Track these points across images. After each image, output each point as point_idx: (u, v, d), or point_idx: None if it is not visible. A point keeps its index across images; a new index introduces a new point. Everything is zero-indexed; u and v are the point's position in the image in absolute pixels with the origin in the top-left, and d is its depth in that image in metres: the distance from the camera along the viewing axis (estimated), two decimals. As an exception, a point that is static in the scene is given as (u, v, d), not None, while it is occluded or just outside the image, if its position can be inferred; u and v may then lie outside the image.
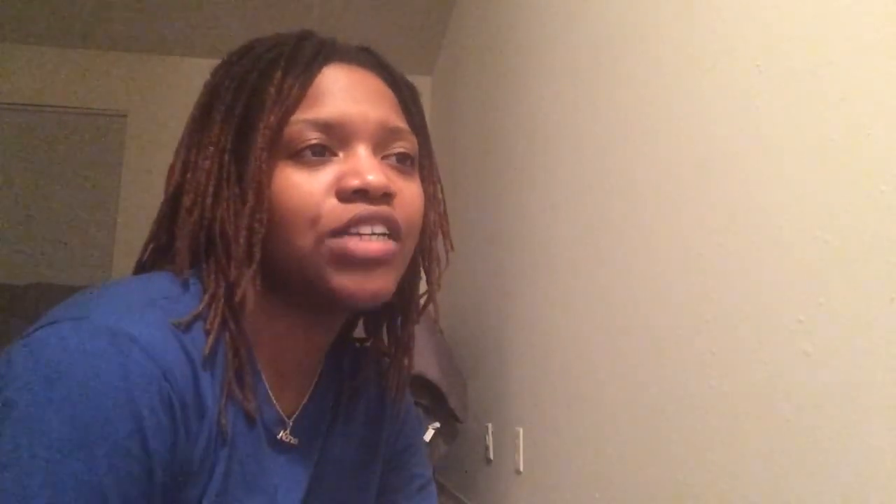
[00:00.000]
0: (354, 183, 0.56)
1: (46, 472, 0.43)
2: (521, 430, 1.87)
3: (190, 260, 0.58)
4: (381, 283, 0.58)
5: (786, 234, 0.86)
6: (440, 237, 0.69)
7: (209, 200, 0.57)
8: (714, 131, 1.04)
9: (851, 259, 0.75)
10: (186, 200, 0.58)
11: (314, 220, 0.55)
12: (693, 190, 1.09)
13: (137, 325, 0.49)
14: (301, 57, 0.59)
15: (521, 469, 1.85)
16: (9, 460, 0.43)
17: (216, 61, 0.64)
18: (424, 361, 1.95)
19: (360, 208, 0.56)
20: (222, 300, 0.55)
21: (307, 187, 0.56)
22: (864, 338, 0.73)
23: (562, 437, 1.60)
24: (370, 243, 0.57)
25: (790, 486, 0.83)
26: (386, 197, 0.57)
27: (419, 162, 0.65)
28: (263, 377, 0.59)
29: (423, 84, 3.88)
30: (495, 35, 2.44)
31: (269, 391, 0.60)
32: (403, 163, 0.61)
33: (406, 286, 0.66)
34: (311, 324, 0.62)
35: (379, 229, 0.57)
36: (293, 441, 0.62)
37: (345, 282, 0.56)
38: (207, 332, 0.53)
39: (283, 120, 0.57)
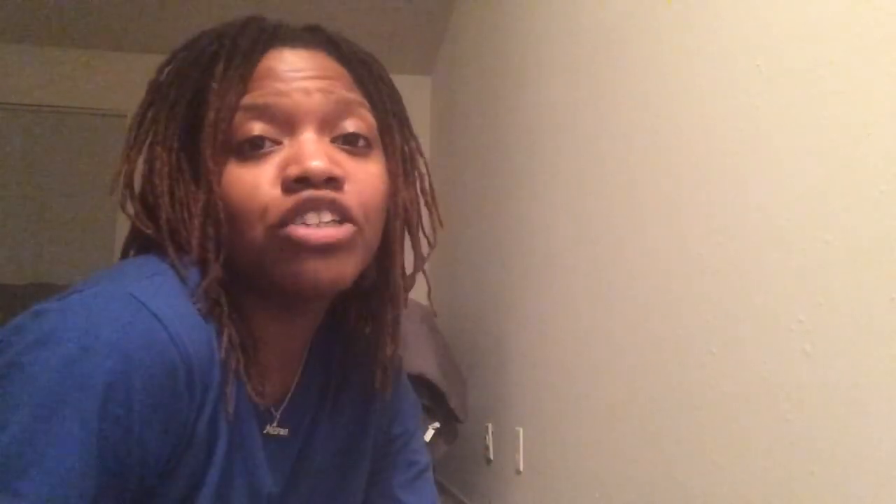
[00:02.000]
0: (294, 171, 0.54)
1: (35, 427, 0.43)
2: (521, 430, 1.87)
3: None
4: (339, 269, 0.56)
5: (786, 234, 0.86)
6: (420, 217, 0.66)
7: (166, 199, 0.57)
8: (714, 131, 1.04)
9: (851, 259, 0.75)
10: (150, 202, 0.58)
11: (261, 214, 0.54)
12: (693, 190, 1.09)
13: (146, 289, 0.49)
14: (242, 45, 0.58)
15: (521, 469, 1.85)
16: (7, 418, 0.44)
17: None
18: (424, 361, 1.95)
19: (305, 196, 0.54)
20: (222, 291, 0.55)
21: (251, 182, 0.55)
22: (864, 338, 0.73)
23: (562, 437, 1.60)
24: (322, 229, 0.55)
25: (790, 486, 0.83)
26: (332, 182, 0.55)
27: (383, 139, 0.62)
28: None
29: (423, 84, 3.87)
30: (495, 35, 2.44)
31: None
32: (355, 144, 0.58)
33: (383, 266, 0.64)
34: (286, 315, 0.61)
35: (326, 217, 0.55)
36: (282, 432, 0.61)
37: (301, 269, 0.55)
38: (218, 322, 0.53)
39: (226, 115, 0.55)
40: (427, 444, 1.95)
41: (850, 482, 0.74)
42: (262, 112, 0.56)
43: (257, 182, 0.55)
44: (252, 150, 0.55)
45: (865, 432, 0.72)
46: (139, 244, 0.61)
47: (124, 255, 0.62)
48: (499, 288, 2.21)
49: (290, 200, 0.54)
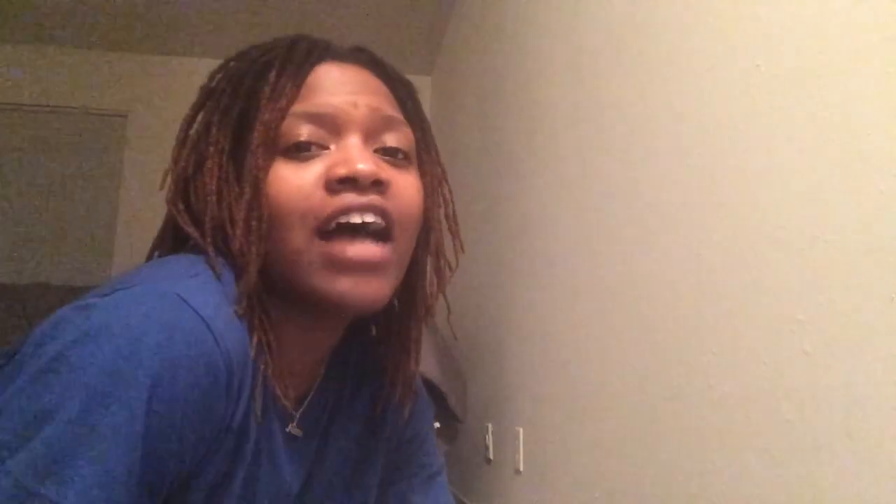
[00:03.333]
0: (342, 171, 0.56)
1: (83, 420, 0.44)
2: (521, 430, 1.87)
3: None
4: (375, 288, 0.58)
5: (786, 234, 0.86)
6: (447, 237, 0.69)
7: (214, 199, 0.58)
8: (714, 131, 1.04)
9: (851, 259, 0.75)
10: (196, 203, 0.60)
11: (303, 215, 0.56)
12: (693, 189, 1.09)
13: (189, 289, 0.51)
14: (295, 57, 0.61)
15: (521, 469, 1.85)
16: (53, 410, 0.44)
17: (216, 61, 0.66)
18: (424, 361, 1.95)
19: (349, 198, 0.56)
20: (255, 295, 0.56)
21: (296, 181, 0.57)
22: (864, 338, 0.73)
23: (562, 437, 1.60)
24: (362, 247, 0.57)
25: (790, 487, 0.83)
26: (377, 185, 0.57)
27: (418, 156, 0.65)
28: None
29: (423, 84, 3.86)
30: (495, 35, 2.44)
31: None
32: (395, 156, 0.61)
33: (410, 284, 0.66)
34: (312, 326, 0.62)
35: (370, 217, 0.57)
36: (299, 433, 0.63)
37: (337, 287, 0.56)
38: (249, 324, 0.55)
39: (278, 116, 0.58)
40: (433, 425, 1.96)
41: (851, 482, 0.74)
42: (312, 118, 0.58)
43: (302, 181, 0.57)
44: (299, 152, 0.58)
45: (865, 432, 0.72)
46: (168, 245, 0.63)
47: (150, 255, 0.64)
48: (499, 288, 2.22)
49: (334, 201, 0.56)
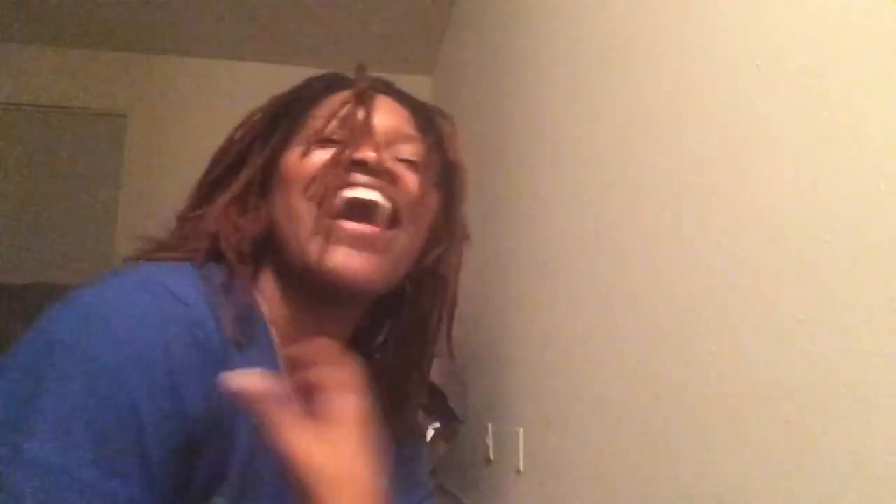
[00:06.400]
0: (356, 155, 0.62)
1: (86, 398, 0.47)
2: (521, 430, 1.87)
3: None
4: (366, 264, 0.62)
5: (786, 234, 0.86)
6: (454, 281, 0.78)
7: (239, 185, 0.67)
8: (714, 131, 1.04)
9: (851, 259, 0.75)
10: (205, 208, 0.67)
11: (310, 182, 0.62)
12: (693, 190, 1.09)
13: (170, 277, 0.55)
14: (342, 84, 0.71)
15: (522, 469, 1.85)
16: (52, 388, 0.47)
17: (216, 61, 0.71)
18: (424, 361, 1.94)
19: (361, 177, 0.63)
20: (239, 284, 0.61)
21: (311, 159, 0.63)
22: (864, 338, 0.73)
23: (562, 437, 1.60)
24: (361, 224, 0.62)
25: (790, 487, 0.83)
26: (387, 175, 0.63)
27: (434, 180, 0.73)
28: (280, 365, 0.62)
29: (423, 84, 3.87)
30: (495, 35, 2.44)
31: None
32: (409, 162, 0.68)
33: (422, 310, 0.73)
34: (321, 313, 0.66)
35: (378, 196, 0.62)
36: None
37: (333, 255, 0.60)
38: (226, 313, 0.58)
39: (315, 121, 0.66)
40: (427, 444, 1.96)
41: (851, 483, 0.74)
42: (339, 119, 0.66)
43: (314, 160, 0.64)
44: (323, 143, 0.65)
45: (865, 432, 0.72)
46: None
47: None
48: (499, 288, 2.22)
49: (346, 175, 0.62)
